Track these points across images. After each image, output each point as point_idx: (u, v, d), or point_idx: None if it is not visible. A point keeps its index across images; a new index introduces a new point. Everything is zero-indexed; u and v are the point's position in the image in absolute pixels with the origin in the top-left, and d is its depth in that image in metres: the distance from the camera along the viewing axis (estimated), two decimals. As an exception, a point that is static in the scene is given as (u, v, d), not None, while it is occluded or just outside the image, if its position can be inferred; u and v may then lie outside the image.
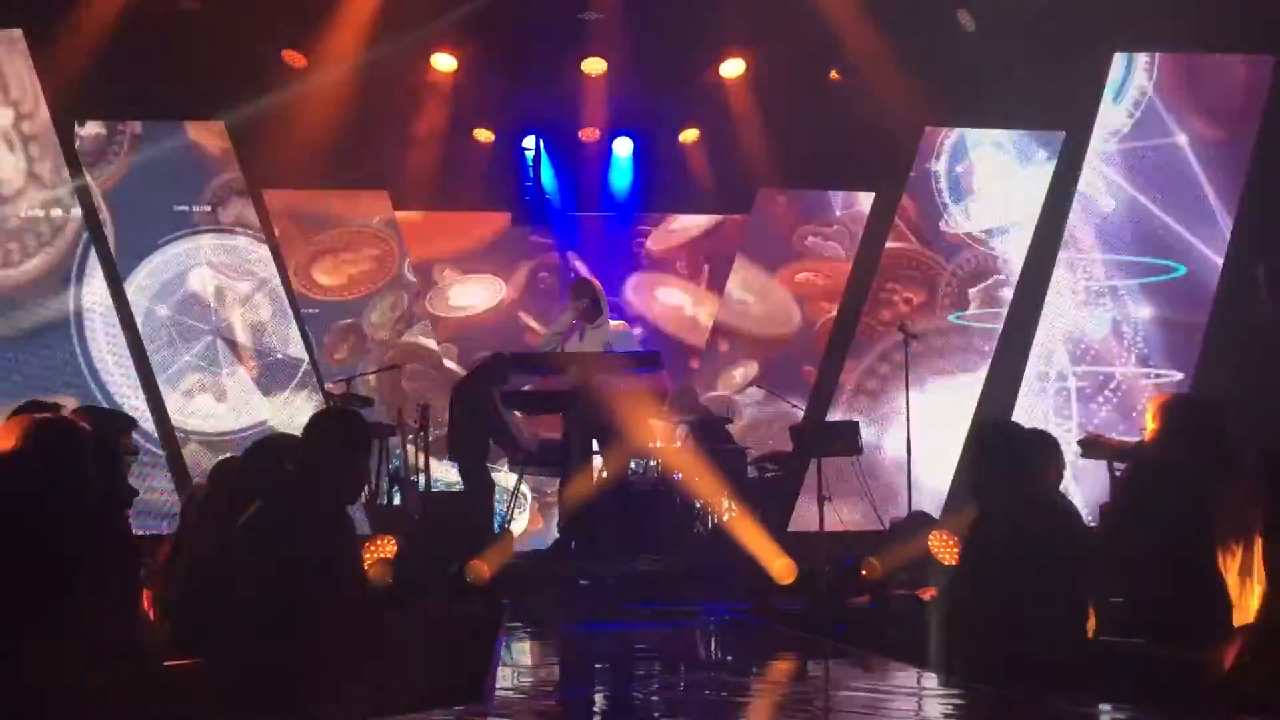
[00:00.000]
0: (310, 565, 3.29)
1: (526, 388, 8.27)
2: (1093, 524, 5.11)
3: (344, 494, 3.50)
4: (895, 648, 4.49)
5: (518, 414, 8.41)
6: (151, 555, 4.24)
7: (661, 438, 8.91)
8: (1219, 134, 10.31)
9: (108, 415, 4.18)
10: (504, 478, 9.23)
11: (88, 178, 9.53)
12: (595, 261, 10.60)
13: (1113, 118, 10.34)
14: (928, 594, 5.08)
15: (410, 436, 8.71)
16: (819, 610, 6.09)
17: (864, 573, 6.28)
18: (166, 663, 3.16)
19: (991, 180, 10.61)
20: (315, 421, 3.59)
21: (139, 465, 8.77)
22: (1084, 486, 7.80)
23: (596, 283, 8.46)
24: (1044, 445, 4.21)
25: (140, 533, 4.85)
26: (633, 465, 8.48)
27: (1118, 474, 5.28)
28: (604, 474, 7.92)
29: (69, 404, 4.47)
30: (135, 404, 9.36)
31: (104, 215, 9.60)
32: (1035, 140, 10.54)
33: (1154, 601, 3.74)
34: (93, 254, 9.49)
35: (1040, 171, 10.53)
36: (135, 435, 4.38)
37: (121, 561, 3.25)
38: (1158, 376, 10.09)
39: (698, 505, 8.64)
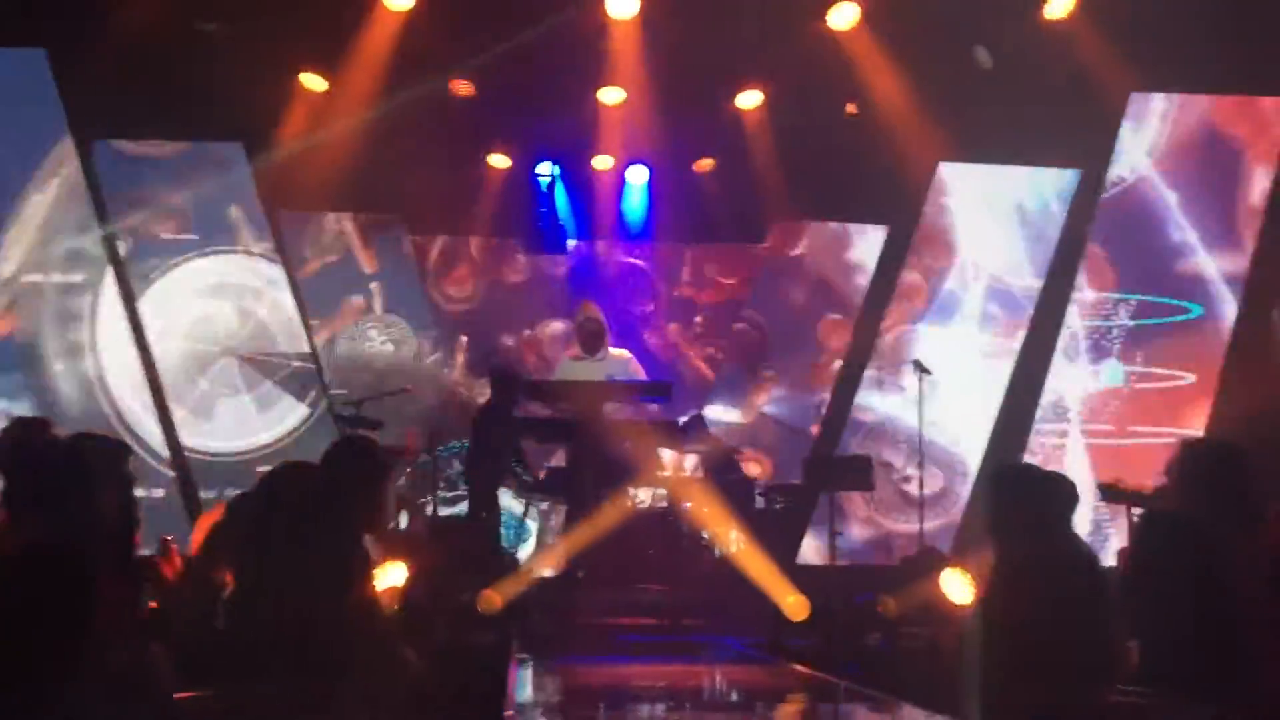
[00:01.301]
0: (325, 596, 3.26)
1: (535, 415, 8.25)
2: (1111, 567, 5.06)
3: (362, 525, 3.48)
4: (909, 689, 4.45)
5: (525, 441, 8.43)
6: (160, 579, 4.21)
7: (669, 467, 8.89)
8: (1234, 176, 10.30)
9: (106, 441, 4.16)
10: (510, 504, 9.19)
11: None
12: (607, 290, 10.61)
13: (1128, 156, 10.33)
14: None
15: (418, 460, 8.69)
16: (831, 648, 6.05)
17: (879, 610, 6.24)
18: (176, 694, 3.12)
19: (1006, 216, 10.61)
20: (335, 452, 3.56)
21: (146, 487, 8.81)
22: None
23: (600, 314, 8.47)
24: (1060, 488, 4.17)
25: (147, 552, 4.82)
26: (640, 495, 8.46)
27: (1136, 519, 5.25)
28: (611, 503, 7.89)
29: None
30: (149, 426, 9.35)
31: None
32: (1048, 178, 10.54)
33: (1167, 652, 3.70)
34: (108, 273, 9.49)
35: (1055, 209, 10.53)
36: (145, 458, 4.36)
37: (133, 590, 3.23)
38: (1174, 424, 10.00)
39: (705, 536, 8.61)
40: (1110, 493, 5.64)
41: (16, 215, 9.22)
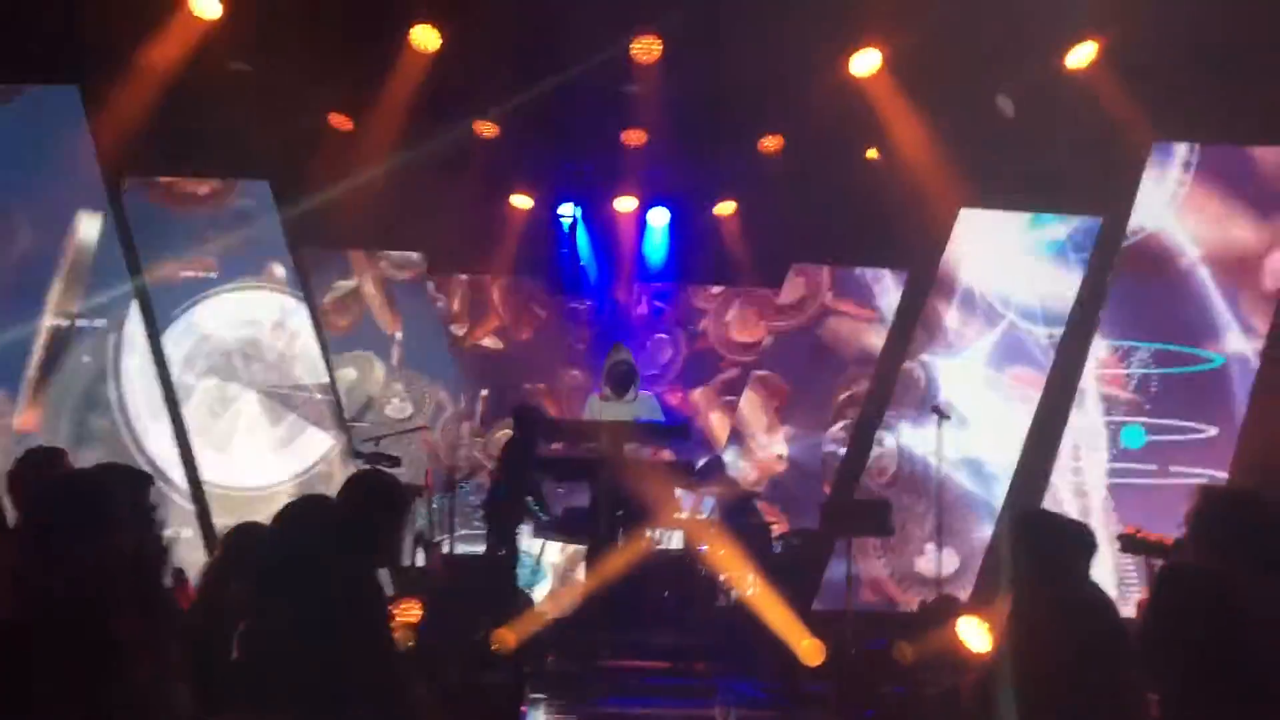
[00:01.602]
0: (339, 630, 3.27)
1: (557, 454, 8.27)
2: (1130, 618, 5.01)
3: (378, 559, 3.49)
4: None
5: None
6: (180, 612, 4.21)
7: (687, 510, 8.88)
8: (1254, 225, 10.27)
9: (128, 472, 4.18)
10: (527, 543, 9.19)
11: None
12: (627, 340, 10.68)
13: (1150, 205, 10.32)
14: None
15: (436, 497, 8.70)
16: (847, 694, 6.00)
17: (895, 657, 6.19)
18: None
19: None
20: (353, 485, 3.58)
21: (170, 522, 8.85)
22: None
23: (630, 357, 8.52)
24: (1078, 536, 4.15)
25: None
26: (657, 536, 8.44)
27: (1156, 570, 5.19)
28: (629, 545, 7.89)
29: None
30: (170, 459, 9.40)
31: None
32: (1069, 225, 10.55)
33: (1188, 704, 3.66)
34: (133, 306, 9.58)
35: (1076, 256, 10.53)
36: (165, 490, 4.38)
37: (156, 621, 3.24)
38: (1194, 472, 9.91)
39: (722, 579, 8.57)
40: (1130, 543, 5.58)
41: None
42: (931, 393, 10.05)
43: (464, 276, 10.91)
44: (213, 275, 9.96)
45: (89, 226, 9.26)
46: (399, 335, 10.65)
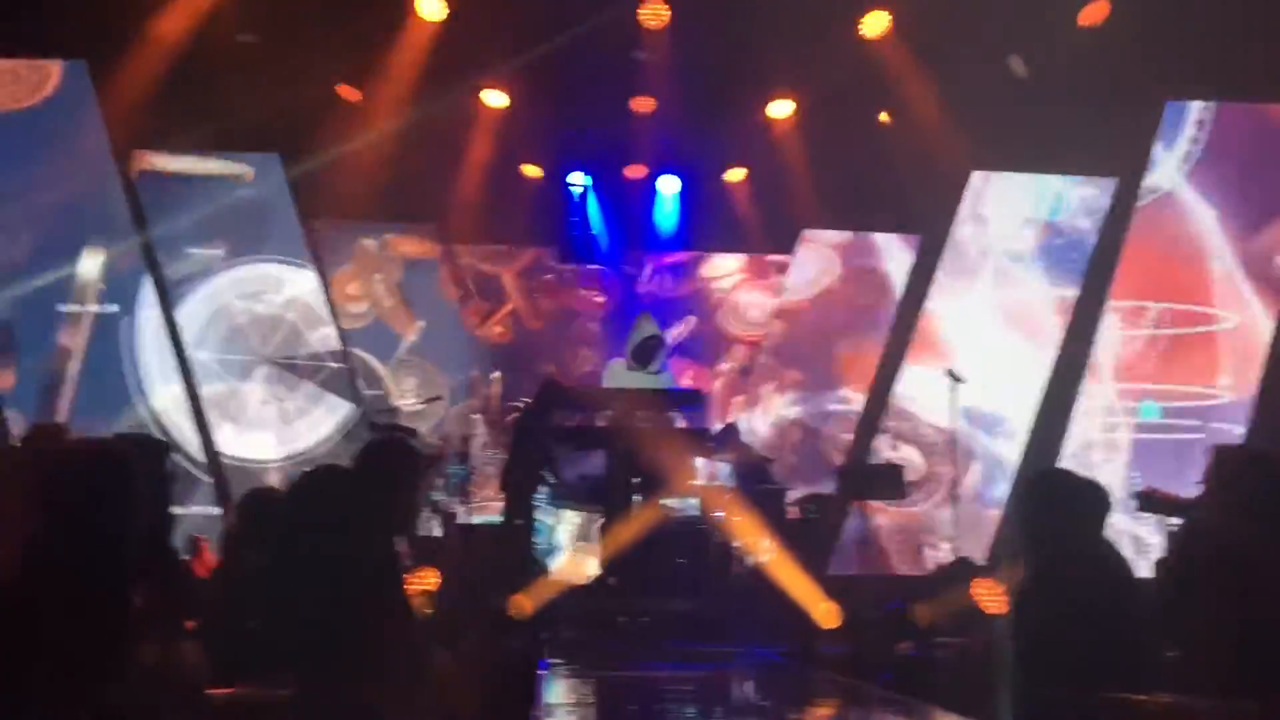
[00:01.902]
0: (356, 596, 3.28)
1: (571, 423, 8.28)
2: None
3: (394, 524, 3.50)
4: (941, 697, 4.42)
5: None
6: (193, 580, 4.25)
7: (702, 477, 8.90)
8: (1270, 184, 10.19)
9: (146, 441, 4.21)
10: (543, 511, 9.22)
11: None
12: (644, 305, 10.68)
13: (1164, 165, 10.24)
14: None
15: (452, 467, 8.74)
16: (863, 656, 6.02)
17: (912, 618, 6.20)
18: (208, 689, 3.16)
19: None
20: (369, 449, 3.59)
21: (182, 491, 8.89)
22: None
23: (658, 329, 8.52)
24: (1096, 495, 4.14)
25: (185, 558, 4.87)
26: (673, 504, 8.46)
27: (1175, 529, 5.19)
28: (645, 512, 7.91)
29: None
30: (187, 433, 9.45)
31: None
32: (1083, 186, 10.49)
33: (1210, 660, 3.66)
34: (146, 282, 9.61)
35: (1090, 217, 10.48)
36: (180, 460, 4.40)
37: (167, 586, 3.26)
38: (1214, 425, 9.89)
39: (737, 545, 8.59)
40: (1147, 502, 5.58)
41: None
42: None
43: (481, 266, 10.85)
44: (222, 251, 9.96)
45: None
46: (411, 339, 10.64)
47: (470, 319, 10.87)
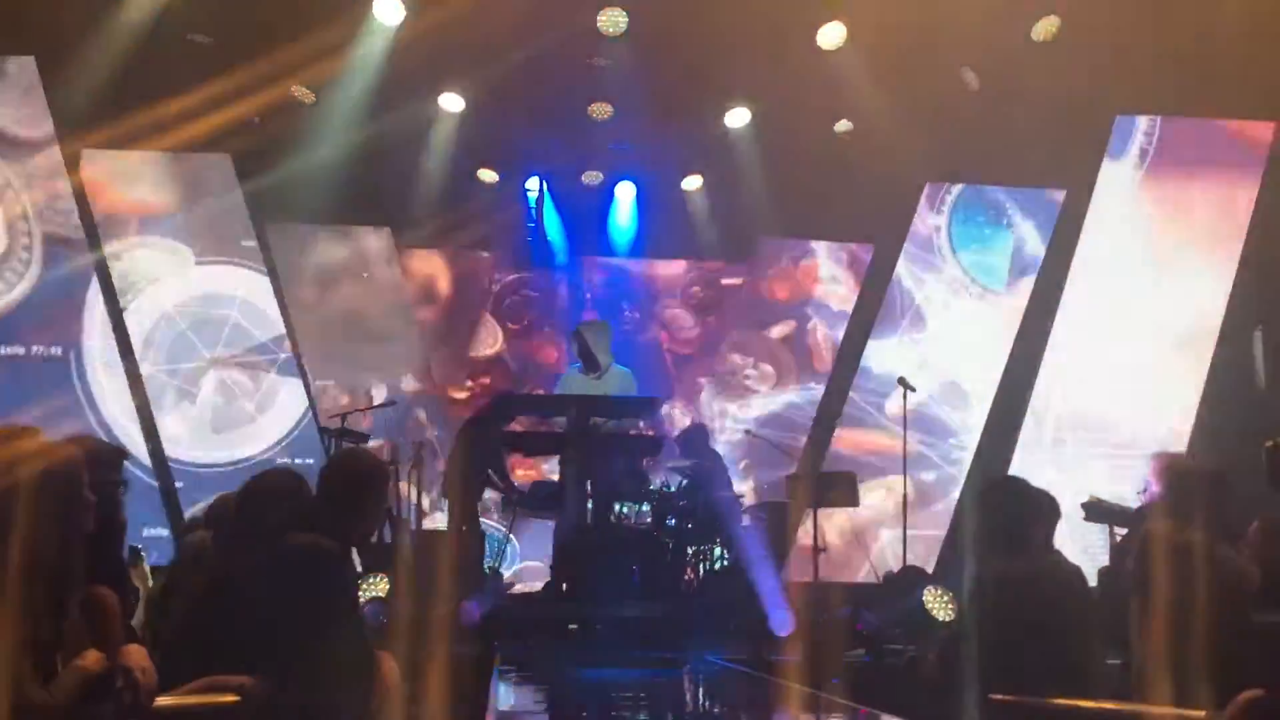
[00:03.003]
0: (310, 606, 3.25)
1: (524, 429, 8.25)
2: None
3: (352, 538, 3.48)
4: (890, 703, 4.45)
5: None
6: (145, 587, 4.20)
7: (655, 484, 8.90)
8: (1215, 198, 10.39)
9: (101, 446, 4.13)
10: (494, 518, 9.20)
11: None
12: (600, 304, 10.66)
13: (1114, 177, 10.41)
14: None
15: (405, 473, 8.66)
16: (813, 662, 6.04)
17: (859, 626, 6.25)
18: (159, 699, 3.11)
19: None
20: (333, 472, 3.55)
21: (131, 497, 8.76)
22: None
23: (598, 334, 8.49)
24: (1047, 505, 4.19)
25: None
26: (625, 510, 8.45)
27: (1117, 538, 5.28)
28: (597, 517, 7.90)
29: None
30: (131, 434, 9.32)
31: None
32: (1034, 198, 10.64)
33: (1162, 665, 3.71)
34: (94, 281, 9.48)
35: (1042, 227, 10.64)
36: (128, 466, 4.33)
37: (115, 595, 3.21)
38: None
39: (690, 551, 8.60)
40: (1093, 510, 5.67)
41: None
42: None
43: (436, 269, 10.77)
44: (177, 250, 9.85)
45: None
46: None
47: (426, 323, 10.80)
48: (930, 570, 8.70)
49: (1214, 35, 8.45)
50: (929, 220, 10.69)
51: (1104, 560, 5.80)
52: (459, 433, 8.44)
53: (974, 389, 10.46)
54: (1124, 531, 5.29)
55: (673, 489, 8.77)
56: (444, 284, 10.82)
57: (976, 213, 10.71)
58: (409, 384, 10.45)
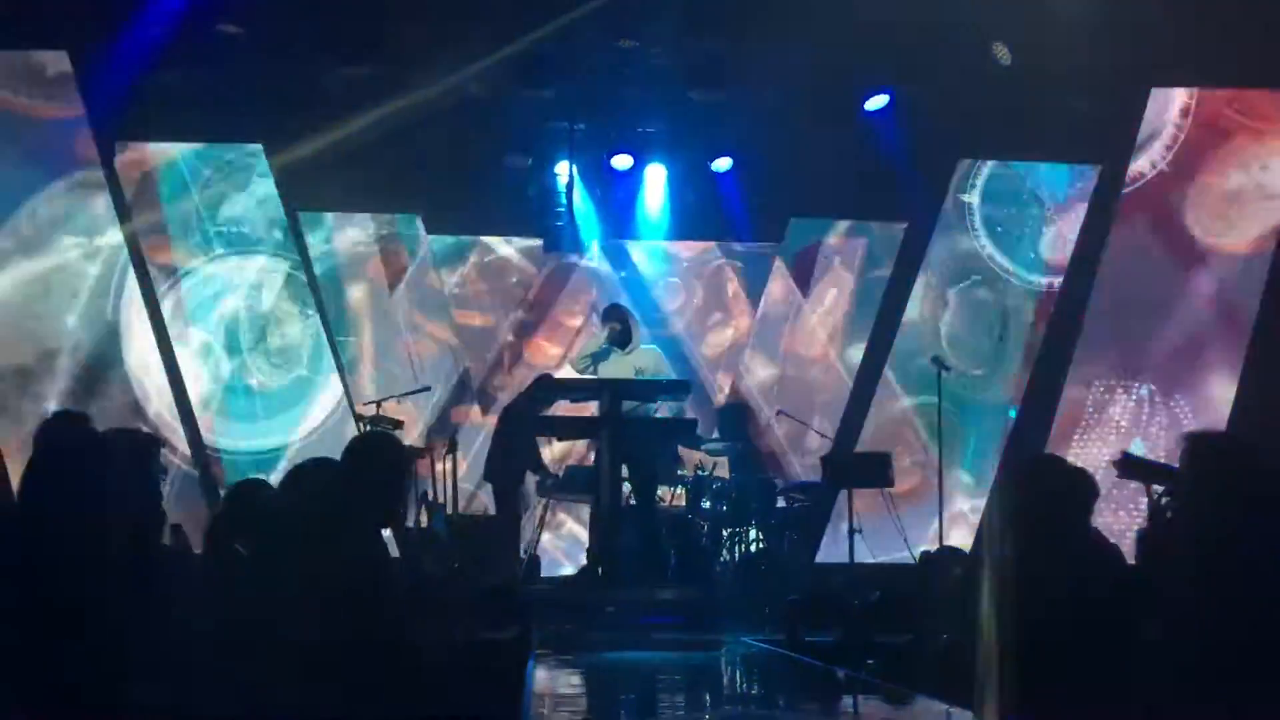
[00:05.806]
0: (344, 590, 3.28)
1: (559, 412, 8.27)
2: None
3: (382, 520, 3.50)
4: (926, 684, 4.44)
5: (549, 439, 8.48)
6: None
7: (691, 465, 8.92)
8: (1254, 169, 10.23)
9: (137, 435, 4.18)
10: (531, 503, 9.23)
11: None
12: (632, 287, 10.64)
13: (1148, 152, 10.26)
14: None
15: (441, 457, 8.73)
16: (849, 644, 6.04)
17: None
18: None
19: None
20: (356, 448, 3.57)
21: (171, 485, 8.88)
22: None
23: (626, 309, 8.49)
24: (1084, 483, 4.15)
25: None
26: (661, 493, 8.48)
27: (1156, 496, 5.15)
28: (632, 500, 7.92)
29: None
30: (171, 423, 9.42)
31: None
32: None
33: (1190, 645, 3.68)
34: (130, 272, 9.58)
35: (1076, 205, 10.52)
36: (167, 454, 4.38)
37: (155, 579, 3.26)
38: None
39: (725, 534, 8.62)
40: (1127, 467, 5.49)
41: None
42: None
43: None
44: (208, 240, 9.93)
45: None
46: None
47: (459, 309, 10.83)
48: (967, 550, 8.66)
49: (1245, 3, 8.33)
50: (960, 198, 10.59)
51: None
52: (499, 418, 8.51)
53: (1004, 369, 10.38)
54: (1160, 489, 5.13)
55: (708, 472, 8.80)
56: (475, 270, 10.83)
57: (1010, 191, 10.60)
58: (444, 369, 10.49)
